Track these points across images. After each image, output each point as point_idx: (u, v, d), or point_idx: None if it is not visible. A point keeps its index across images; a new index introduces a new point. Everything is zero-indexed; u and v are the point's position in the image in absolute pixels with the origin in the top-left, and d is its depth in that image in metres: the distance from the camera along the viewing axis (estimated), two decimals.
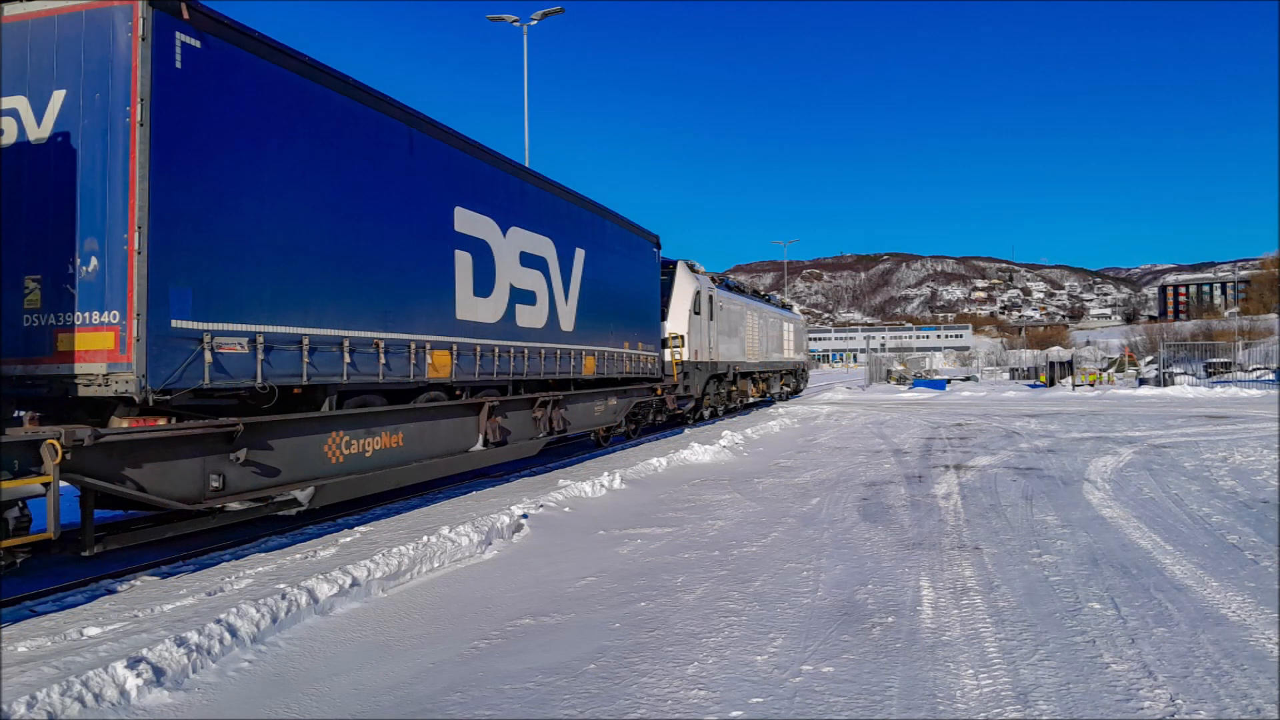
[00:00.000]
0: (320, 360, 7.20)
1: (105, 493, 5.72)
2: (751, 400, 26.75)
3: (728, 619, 5.26)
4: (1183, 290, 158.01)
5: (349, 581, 5.79)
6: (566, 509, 8.91)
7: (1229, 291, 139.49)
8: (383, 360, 8.00)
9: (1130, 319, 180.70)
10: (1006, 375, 54.59)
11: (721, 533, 7.84)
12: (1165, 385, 34.60)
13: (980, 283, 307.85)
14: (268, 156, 6.75)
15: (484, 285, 10.02)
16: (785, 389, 32.10)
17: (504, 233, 10.55)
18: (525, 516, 8.14)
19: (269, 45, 6.78)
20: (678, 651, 4.70)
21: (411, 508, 9.22)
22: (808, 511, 8.84)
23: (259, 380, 6.53)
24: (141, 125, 5.59)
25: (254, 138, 6.60)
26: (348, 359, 7.50)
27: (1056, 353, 59.80)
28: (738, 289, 26.09)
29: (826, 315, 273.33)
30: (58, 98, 5.77)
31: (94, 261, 5.61)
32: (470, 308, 9.69)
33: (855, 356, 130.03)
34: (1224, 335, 60.82)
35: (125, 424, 5.87)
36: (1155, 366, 40.28)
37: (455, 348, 9.30)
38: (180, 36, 5.92)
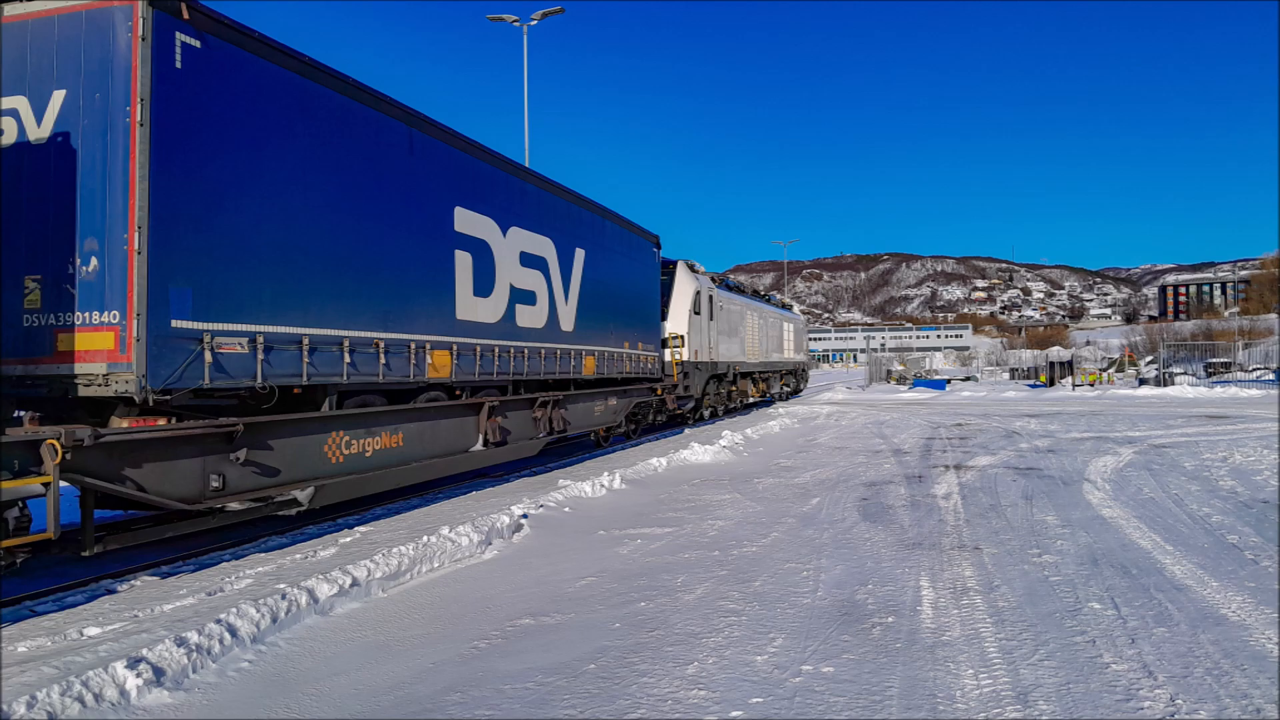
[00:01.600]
0: (320, 360, 7.20)
1: (105, 493, 5.72)
2: (751, 400, 26.75)
3: (728, 619, 5.26)
4: (1183, 290, 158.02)
5: (349, 581, 5.79)
6: (566, 509, 8.91)
7: (1229, 291, 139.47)
8: (383, 360, 8.00)
9: (1130, 319, 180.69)
10: (1006, 375, 54.55)
11: (721, 533, 7.84)
12: (1165, 385, 34.59)
13: (980, 283, 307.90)
14: (268, 156, 6.75)
15: (484, 285, 10.02)
16: (785, 389, 32.10)
17: (504, 233, 10.56)
18: (525, 516, 8.14)
19: (269, 45, 6.78)
20: (678, 651, 4.70)
21: (411, 508, 9.22)
22: (808, 511, 8.84)
23: (259, 380, 6.53)
24: (141, 125, 5.59)
25: (254, 137, 6.60)
26: (348, 359, 7.50)
27: (1056, 353, 59.78)
28: (738, 289, 26.09)
29: (826, 315, 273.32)
30: (58, 98, 5.77)
31: (94, 261, 5.61)
32: (470, 308, 9.69)
33: (855, 356, 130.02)
34: (1224, 335, 60.82)
35: (125, 424, 5.87)
36: (1155, 366, 40.28)
37: (455, 348, 9.30)
38: (180, 36, 5.92)
